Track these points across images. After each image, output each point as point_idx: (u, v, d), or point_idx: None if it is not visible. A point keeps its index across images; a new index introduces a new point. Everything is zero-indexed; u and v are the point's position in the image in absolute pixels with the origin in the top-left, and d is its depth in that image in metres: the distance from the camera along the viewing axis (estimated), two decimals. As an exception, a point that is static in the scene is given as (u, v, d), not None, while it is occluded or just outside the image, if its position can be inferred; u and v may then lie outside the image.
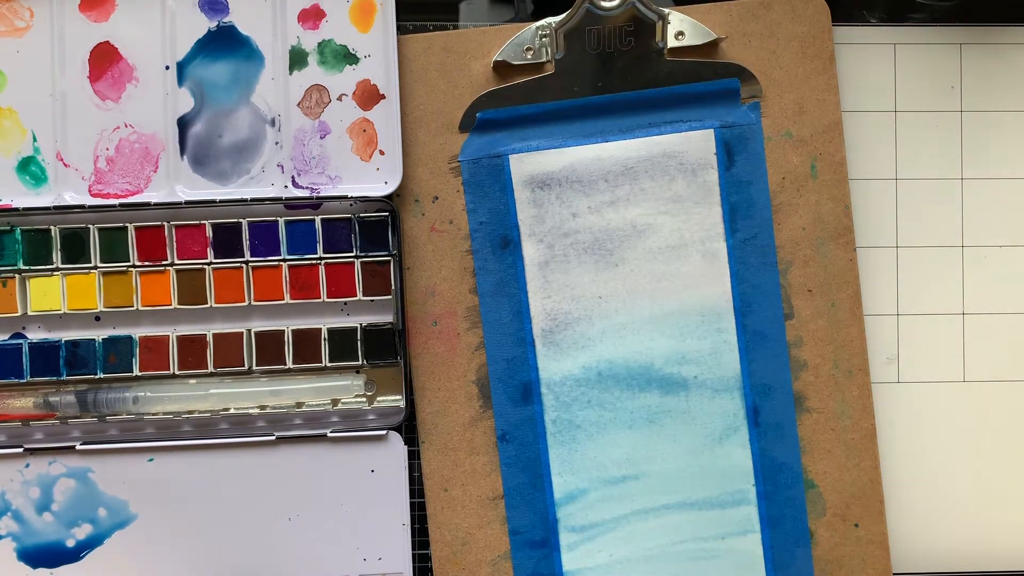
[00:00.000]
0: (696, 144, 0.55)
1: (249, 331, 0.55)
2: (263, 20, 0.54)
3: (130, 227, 0.54)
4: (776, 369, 0.55)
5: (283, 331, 0.55)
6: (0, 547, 0.54)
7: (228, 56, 0.54)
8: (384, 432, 0.54)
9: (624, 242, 0.55)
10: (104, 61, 0.54)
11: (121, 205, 0.54)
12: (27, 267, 0.54)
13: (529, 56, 0.54)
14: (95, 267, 0.54)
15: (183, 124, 0.54)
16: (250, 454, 0.54)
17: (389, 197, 0.54)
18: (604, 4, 0.54)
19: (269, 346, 0.55)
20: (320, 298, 0.55)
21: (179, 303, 0.55)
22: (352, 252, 0.55)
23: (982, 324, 0.57)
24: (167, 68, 0.54)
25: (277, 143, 0.54)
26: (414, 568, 0.55)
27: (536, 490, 0.55)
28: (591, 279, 0.55)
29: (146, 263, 0.54)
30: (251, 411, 0.55)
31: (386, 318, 0.55)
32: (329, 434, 0.54)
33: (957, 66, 0.57)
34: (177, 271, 0.55)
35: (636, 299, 0.55)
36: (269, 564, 0.54)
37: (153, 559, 0.54)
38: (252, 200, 0.54)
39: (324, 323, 0.55)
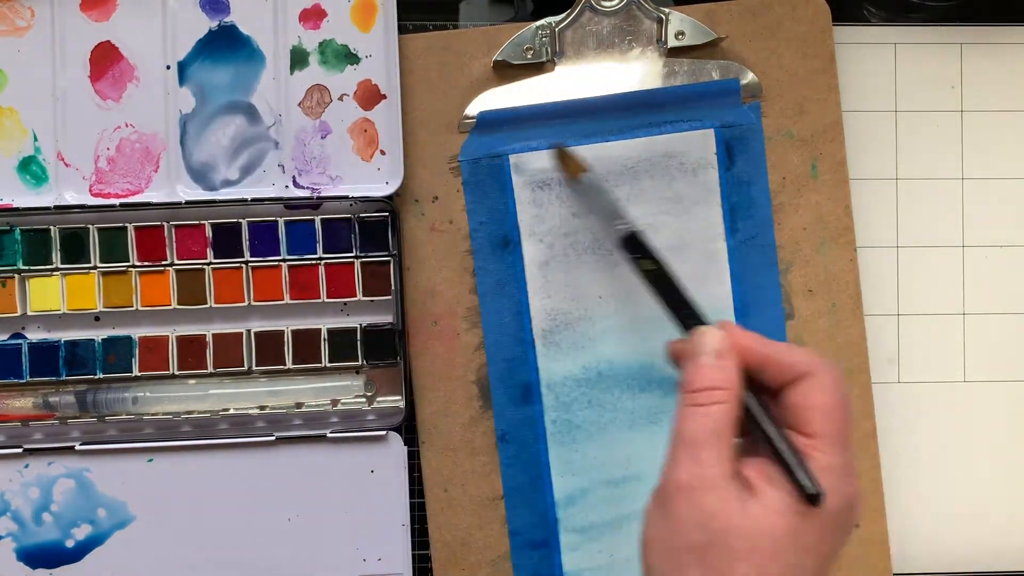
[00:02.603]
0: (696, 144, 0.55)
1: (249, 331, 0.55)
2: (264, 20, 0.54)
3: (130, 227, 0.54)
4: (776, 369, 0.55)
5: (283, 331, 0.55)
6: (-1, 547, 0.54)
7: (229, 56, 0.54)
8: (384, 432, 0.54)
9: (624, 242, 0.55)
10: (105, 60, 0.54)
11: (122, 205, 0.54)
12: (27, 267, 0.54)
13: (529, 56, 0.54)
14: (95, 267, 0.54)
15: (184, 124, 0.54)
16: (250, 454, 0.54)
17: (389, 197, 0.54)
18: (604, 4, 0.54)
19: (269, 346, 0.55)
20: (320, 298, 0.55)
21: (179, 303, 0.54)
22: (352, 252, 0.55)
23: (982, 324, 0.57)
24: (168, 68, 0.54)
25: (278, 143, 0.54)
26: (414, 568, 0.55)
27: (536, 490, 0.55)
28: (591, 279, 0.55)
29: (146, 263, 0.54)
30: (251, 411, 0.55)
31: (386, 318, 0.55)
32: (329, 434, 0.54)
33: (957, 66, 0.57)
34: (177, 271, 0.54)
35: (636, 299, 0.55)
36: (269, 564, 0.54)
37: (152, 559, 0.54)
38: (252, 200, 0.54)
39: (324, 323, 0.55)
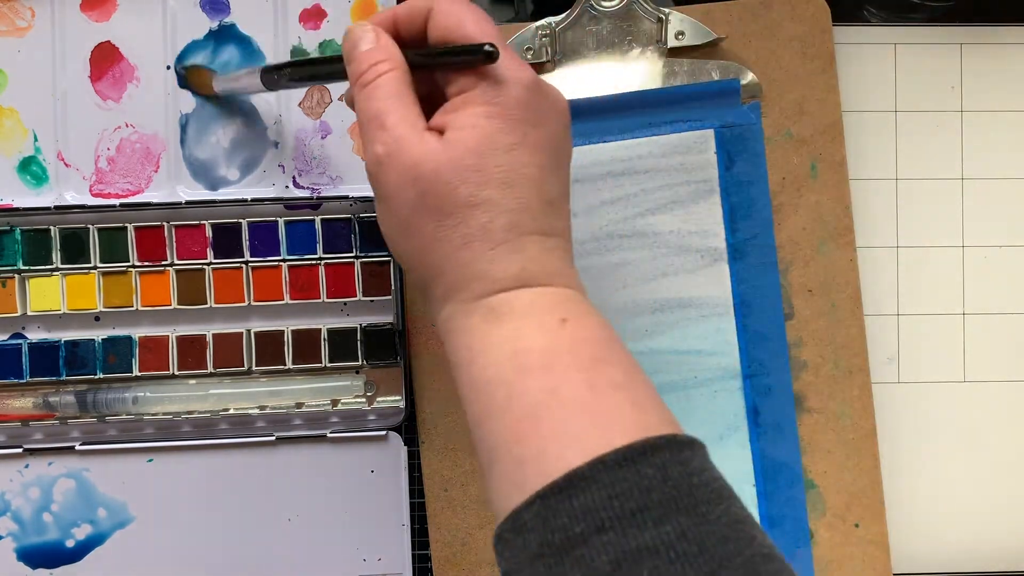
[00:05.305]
0: (696, 144, 0.55)
1: (249, 331, 0.55)
2: (264, 20, 0.54)
3: (130, 227, 0.54)
4: (776, 369, 0.55)
5: (283, 331, 0.55)
6: (-1, 547, 0.54)
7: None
8: (384, 432, 0.54)
9: (624, 242, 0.55)
10: (105, 61, 0.54)
11: (122, 205, 0.54)
12: (27, 267, 0.54)
13: (529, 56, 0.54)
14: (95, 267, 0.54)
15: (184, 124, 0.54)
16: (250, 454, 0.54)
17: (389, 197, 0.54)
18: (604, 4, 0.54)
19: (269, 346, 0.55)
20: (320, 298, 0.55)
21: (179, 303, 0.54)
22: (352, 252, 0.55)
23: (982, 324, 0.57)
24: (168, 68, 0.54)
25: (278, 143, 0.54)
26: (414, 568, 0.55)
27: (536, 490, 0.55)
28: (591, 279, 0.55)
29: (146, 263, 0.54)
30: (251, 411, 0.55)
31: (386, 318, 0.55)
32: (329, 434, 0.54)
33: (957, 66, 0.57)
34: (177, 271, 0.54)
35: (636, 299, 0.55)
36: (269, 564, 0.54)
37: (153, 559, 0.54)
38: (252, 200, 0.54)
39: (324, 323, 0.55)
